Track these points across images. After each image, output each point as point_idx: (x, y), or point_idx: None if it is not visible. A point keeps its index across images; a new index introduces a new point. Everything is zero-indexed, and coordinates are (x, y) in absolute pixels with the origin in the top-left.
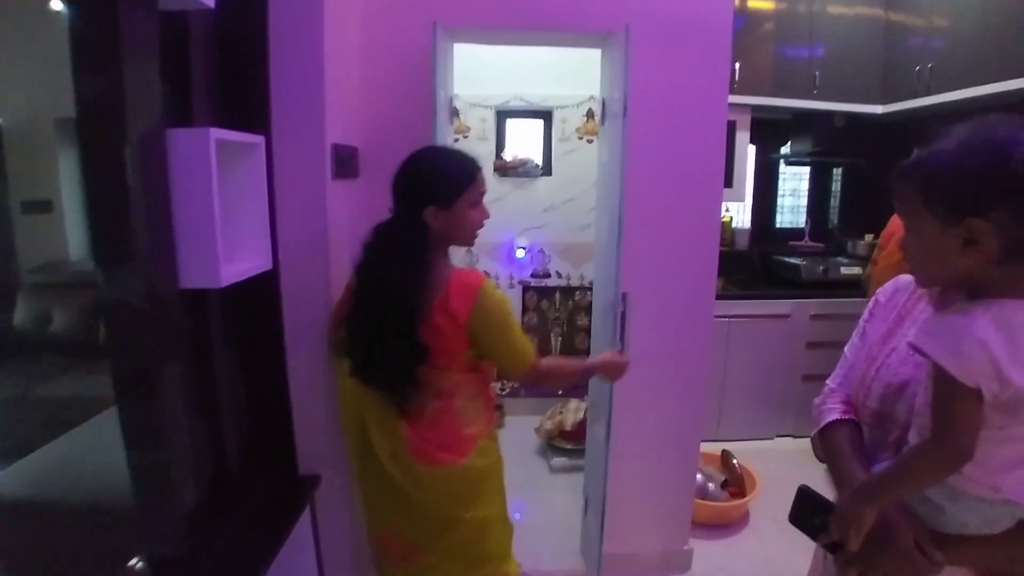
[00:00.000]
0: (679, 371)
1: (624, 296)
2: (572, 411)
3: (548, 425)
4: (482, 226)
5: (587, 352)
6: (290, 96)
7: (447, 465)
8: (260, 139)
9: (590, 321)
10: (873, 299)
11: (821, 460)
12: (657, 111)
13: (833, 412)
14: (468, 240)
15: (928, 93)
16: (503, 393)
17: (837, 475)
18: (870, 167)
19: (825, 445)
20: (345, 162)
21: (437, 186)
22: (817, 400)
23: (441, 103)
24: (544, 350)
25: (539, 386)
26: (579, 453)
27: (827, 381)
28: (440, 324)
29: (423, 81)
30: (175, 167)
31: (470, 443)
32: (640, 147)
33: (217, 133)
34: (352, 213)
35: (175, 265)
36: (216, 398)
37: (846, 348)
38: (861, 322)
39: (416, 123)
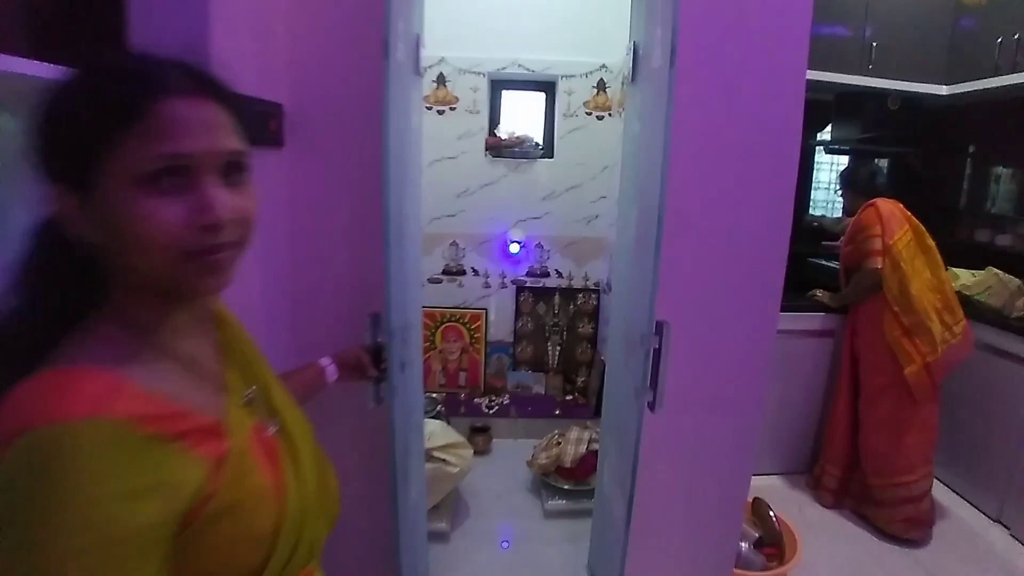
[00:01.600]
0: (727, 426)
1: (660, 326)
2: (573, 443)
3: (543, 458)
4: (208, 233)
5: (589, 365)
6: (156, 23)
7: None
8: None
9: (594, 329)
10: None
11: None
12: (713, 64)
13: None
14: (159, 271)
15: (1014, 70)
16: (489, 412)
17: None
18: (923, 158)
19: None
20: (261, 124)
21: (53, 139)
22: None
23: (397, 38)
24: (541, 362)
25: None
26: (580, 495)
27: None
28: None
29: (377, 14)
30: None
31: None
32: (689, 112)
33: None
34: (277, 195)
35: None
36: None
37: None
38: None
39: (367, 72)
